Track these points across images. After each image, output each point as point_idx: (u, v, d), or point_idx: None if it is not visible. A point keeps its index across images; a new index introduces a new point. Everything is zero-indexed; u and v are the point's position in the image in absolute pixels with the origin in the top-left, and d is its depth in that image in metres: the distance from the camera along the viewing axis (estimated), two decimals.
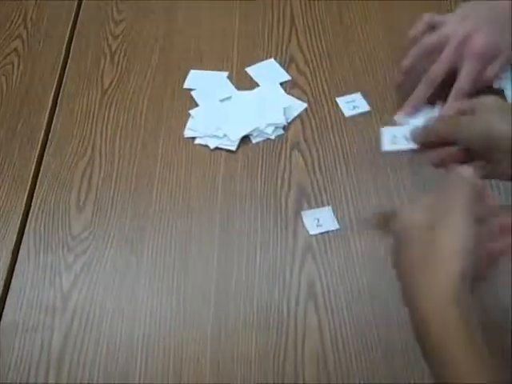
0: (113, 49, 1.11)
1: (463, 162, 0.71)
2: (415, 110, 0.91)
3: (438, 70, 0.91)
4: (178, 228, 0.89)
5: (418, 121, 0.83)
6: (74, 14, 1.17)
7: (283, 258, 0.85)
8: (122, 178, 0.95)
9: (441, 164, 0.74)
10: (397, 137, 0.80)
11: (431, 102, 0.91)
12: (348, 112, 1.00)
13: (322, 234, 0.87)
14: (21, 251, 0.88)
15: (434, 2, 1.11)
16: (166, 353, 0.79)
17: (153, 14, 1.17)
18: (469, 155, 0.72)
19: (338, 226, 0.87)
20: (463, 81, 0.91)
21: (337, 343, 0.78)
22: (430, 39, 0.94)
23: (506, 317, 0.78)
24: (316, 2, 1.16)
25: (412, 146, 0.78)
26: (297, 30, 1.12)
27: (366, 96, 1.01)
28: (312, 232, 0.87)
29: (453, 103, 0.89)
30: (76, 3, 1.19)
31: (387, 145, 0.81)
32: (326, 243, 0.86)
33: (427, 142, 0.76)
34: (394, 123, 0.88)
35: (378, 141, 0.82)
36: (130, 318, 0.82)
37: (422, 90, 0.92)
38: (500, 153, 0.69)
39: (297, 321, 0.80)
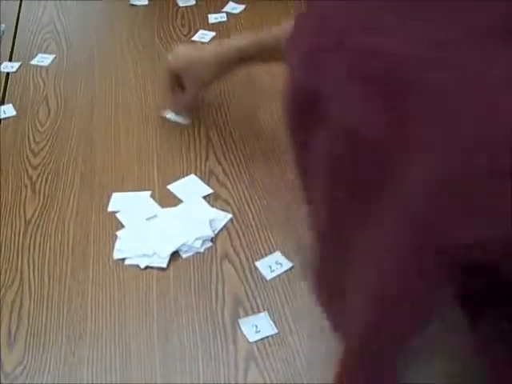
0: (33, 179, 1.12)
1: None
2: None
3: None
4: (116, 349, 0.88)
5: None
6: None
7: (226, 369, 0.85)
8: (54, 305, 0.93)
9: None
10: None
11: None
12: None
13: (261, 339, 0.87)
14: None
15: None
16: None
17: (70, 140, 1.19)
18: None
19: (276, 330, 0.88)
20: None
21: None
22: None
23: None
24: (227, 109, 1.21)
25: None
26: (213, 145, 1.16)
27: None
28: (251, 339, 0.87)
29: None
30: None
31: None
32: (267, 349, 0.87)
33: None
34: None
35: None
36: None
37: None
38: None
39: None
